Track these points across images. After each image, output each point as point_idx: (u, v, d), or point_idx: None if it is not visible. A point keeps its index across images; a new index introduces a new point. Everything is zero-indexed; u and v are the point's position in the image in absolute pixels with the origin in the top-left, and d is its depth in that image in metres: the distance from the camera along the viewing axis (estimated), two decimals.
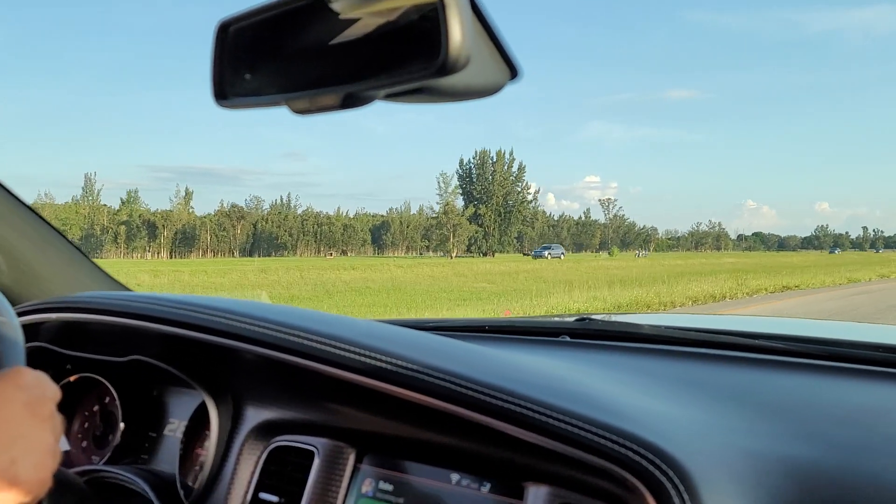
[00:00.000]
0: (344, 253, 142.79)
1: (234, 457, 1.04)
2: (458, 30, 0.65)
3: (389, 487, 0.92)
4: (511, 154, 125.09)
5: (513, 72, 0.76)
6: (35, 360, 0.84)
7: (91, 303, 1.15)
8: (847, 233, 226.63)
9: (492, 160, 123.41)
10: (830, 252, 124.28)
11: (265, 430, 1.04)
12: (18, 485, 0.64)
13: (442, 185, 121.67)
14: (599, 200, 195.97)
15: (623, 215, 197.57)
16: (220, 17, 0.80)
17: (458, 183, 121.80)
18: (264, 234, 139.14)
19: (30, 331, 1.14)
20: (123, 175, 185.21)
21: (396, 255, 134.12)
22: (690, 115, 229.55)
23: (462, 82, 0.71)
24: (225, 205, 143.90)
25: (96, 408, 1.30)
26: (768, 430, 0.87)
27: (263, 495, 1.00)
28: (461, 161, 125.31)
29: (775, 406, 0.99)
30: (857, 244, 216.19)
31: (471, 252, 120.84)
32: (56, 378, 1.28)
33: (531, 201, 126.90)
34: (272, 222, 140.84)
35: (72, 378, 1.28)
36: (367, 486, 0.94)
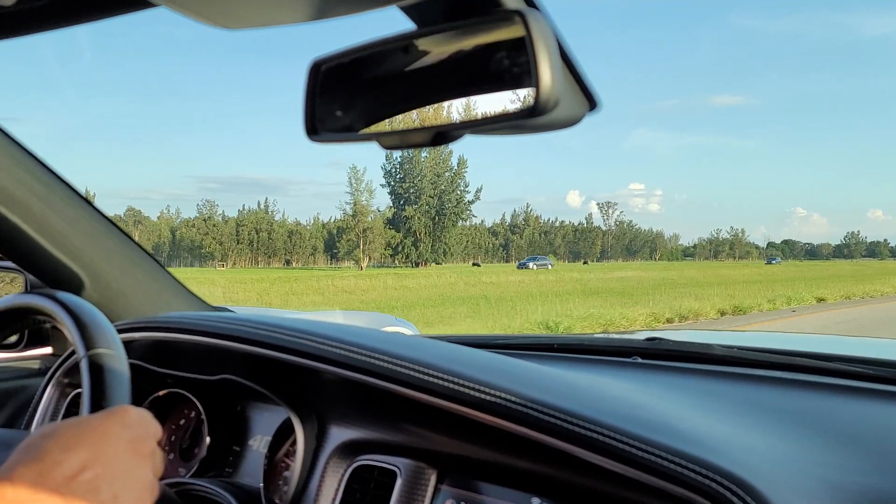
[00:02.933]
0: (288, 263, 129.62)
1: (318, 474, 1.08)
2: (548, 73, 0.67)
3: None
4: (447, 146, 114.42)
5: (591, 103, 0.78)
6: None
7: (181, 323, 1.20)
8: (886, 240, 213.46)
9: (425, 154, 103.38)
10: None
11: (348, 449, 1.07)
12: None
13: (353, 181, 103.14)
14: (598, 205, 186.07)
15: (631, 221, 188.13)
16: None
17: (384, 181, 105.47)
18: (184, 243, 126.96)
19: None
20: (171, 185, 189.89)
21: (335, 265, 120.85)
22: (738, 122, 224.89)
23: (546, 118, 0.72)
24: (170, 211, 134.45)
25: (183, 421, 1.35)
26: (849, 461, 0.87)
27: None
28: (388, 154, 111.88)
29: (855, 435, 0.98)
30: None
31: (393, 262, 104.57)
32: (146, 394, 1.34)
33: (472, 201, 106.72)
34: (197, 229, 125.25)
35: (161, 393, 1.34)
36: None
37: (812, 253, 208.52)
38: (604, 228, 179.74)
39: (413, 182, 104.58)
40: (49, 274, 1.47)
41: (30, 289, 1.60)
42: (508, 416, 0.84)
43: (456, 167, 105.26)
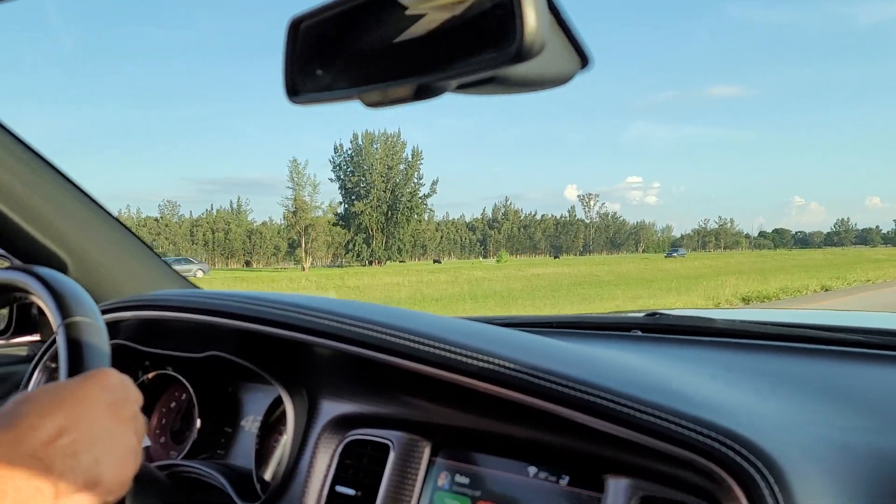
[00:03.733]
0: (248, 264, 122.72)
1: (309, 450, 1.05)
2: (532, 15, 0.64)
3: (465, 480, 0.92)
4: (398, 135, 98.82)
5: (583, 60, 0.74)
6: (114, 357, 0.86)
7: (168, 300, 1.18)
8: (878, 227, 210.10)
9: (376, 145, 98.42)
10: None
11: (340, 424, 1.05)
12: (101, 484, 0.65)
13: (294, 175, 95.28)
14: (579, 196, 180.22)
15: (616, 213, 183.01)
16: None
17: (333, 175, 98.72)
18: None
19: (109, 329, 1.17)
20: (168, 188, 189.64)
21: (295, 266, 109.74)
22: (735, 112, 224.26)
23: (534, 71, 0.70)
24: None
25: (173, 404, 1.33)
26: (858, 423, 0.84)
27: (340, 488, 1.01)
28: (337, 147, 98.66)
29: (862, 399, 0.96)
30: (890, 239, 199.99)
31: (340, 261, 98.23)
32: (134, 375, 1.32)
33: (428, 195, 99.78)
34: (149, 229, 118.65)
35: (149, 375, 1.31)
36: (442, 480, 0.94)
37: (804, 241, 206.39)
38: (586, 221, 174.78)
39: (363, 175, 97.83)
40: (34, 257, 1.44)
41: None
42: (503, 382, 0.81)
43: (410, 158, 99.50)
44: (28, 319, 1.69)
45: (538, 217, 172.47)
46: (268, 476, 1.11)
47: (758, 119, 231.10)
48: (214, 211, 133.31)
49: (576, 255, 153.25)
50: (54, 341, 1.36)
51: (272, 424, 1.17)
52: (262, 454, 1.15)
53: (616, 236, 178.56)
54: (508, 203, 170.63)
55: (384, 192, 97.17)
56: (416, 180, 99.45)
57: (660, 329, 1.42)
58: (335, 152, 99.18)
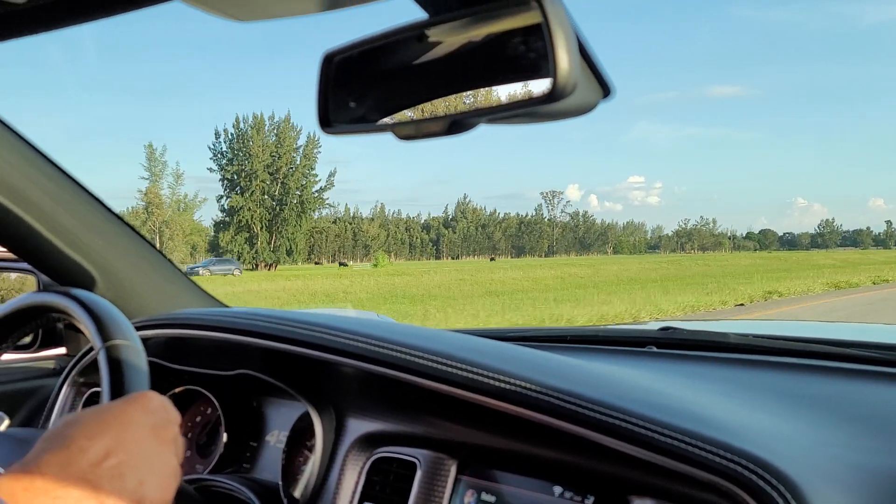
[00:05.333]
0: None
1: (337, 467, 1.08)
2: (565, 58, 0.67)
3: (491, 499, 0.95)
4: (287, 118, 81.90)
5: (605, 90, 0.77)
6: None
7: (197, 320, 1.21)
8: (868, 228, 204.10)
9: (273, 128, 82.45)
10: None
11: (367, 442, 1.07)
12: None
13: (149, 163, 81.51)
14: (542, 194, 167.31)
15: (586, 212, 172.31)
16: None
17: (213, 164, 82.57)
18: None
19: None
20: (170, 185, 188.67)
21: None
22: (737, 112, 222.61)
23: (561, 105, 0.72)
24: None
25: (199, 418, 1.36)
26: (874, 443, 0.86)
27: None
28: (217, 132, 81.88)
29: (877, 418, 0.98)
30: (881, 241, 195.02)
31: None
32: (162, 391, 1.34)
33: (325, 188, 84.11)
34: None
35: (177, 390, 1.34)
36: (469, 497, 0.97)
37: (792, 243, 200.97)
38: (555, 220, 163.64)
39: (243, 164, 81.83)
40: (61, 273, 1.47)
41: (42, 288, 1.61)
42: (529, 404, 0.84)
43: (304, 146, 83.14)
44: (53, 334, 1.72)
45: (500, 216, 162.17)
46: (297, 492, 1.14)
47: (760, 119, 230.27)
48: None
49: (541, 256, 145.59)
50: (82, 357, 1.39)
51: (298, 440, 1.20)
52: (288, 470, 1.18)
53: (586, 236, 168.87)
54: (466, 200, 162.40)
55: (270, 184, 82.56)
56: (307, 171, 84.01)
57: (673, 344, 1.45)
58: (216, 138, 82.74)
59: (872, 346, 1.30)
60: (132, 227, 1.52)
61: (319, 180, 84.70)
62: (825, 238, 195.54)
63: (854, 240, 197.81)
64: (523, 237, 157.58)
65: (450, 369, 0.91)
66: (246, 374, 1.17)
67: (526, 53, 0.72)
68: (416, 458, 1.01)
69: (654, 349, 1.40)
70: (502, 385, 0.86)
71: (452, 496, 0.98)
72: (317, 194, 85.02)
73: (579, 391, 0.82)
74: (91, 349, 1.38)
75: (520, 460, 0.94)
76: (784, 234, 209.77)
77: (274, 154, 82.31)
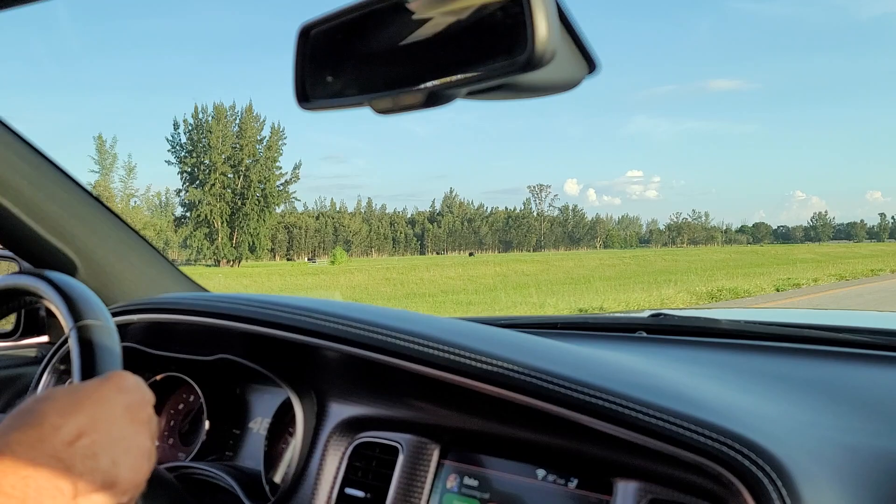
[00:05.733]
0: None
1: (319, 453, 1.06)
2: (543, 24, 0.65)
3: (474, 483, 0.93)
4: (249, 108, 77.81)
5: (591, 65, 0.75)
6: (123, 360, 0.87)
7: (177, 304, 1.18)
8: (862, 220, 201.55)
9: (233, 118, 77.35)
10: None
11: (349, 427, 1.05)
12: (117, 485, 0.66)
13: (99, 155, 79.91)
14: (529, 187, 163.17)
15: (576, 206, 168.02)
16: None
17: (172, 157, 78.11)
18: None
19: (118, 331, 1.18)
20: (167, 182, 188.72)
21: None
22: (736, 106, 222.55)
23: (543, 77, 0.70)
24: None
25: (181, 405, 1.34)
26: (863, 425, 0.85)
27: (349, 490, 1.02)
28: (177, 123, 77.71)
29: (867, 400, 0.96)
30: (875, 234, 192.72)
31: (194, 258, 79.11)
32: (143, 377, 1.32)
33: (290, 181, 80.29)
34: None
35: (158, 377, 1.32)
36: (451, 482, 0.95)
37: (786, 236, 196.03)
38: (542, 214, 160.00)
39: (201, 156, 77.47)
40: (42, 259, 1.45)
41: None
42: (513, 386, 0.82)
43: (268, 138, 78.51)
44: (36, 321, 1.70)
45: (487, 210, 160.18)
46: (277, 478, 1.12)
47: (758, 113, 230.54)
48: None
49: (529, 251, 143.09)
50: (63, 343, 1.37)
51: (281, 427, 1.18)
52: (271, 456, 1.16)
53: (575, 231, 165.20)
54: (453, 194, 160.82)
55: (232, 177, 78.38)
56: (268, 163, 79.71)
57: (664, 330, 1.43)
58: (175, 129, 78.07)
59: (864, 332, 1.29)
60: (114, 213, 1.50)
61: (285, 174, 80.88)
62: (818, 231, 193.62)
63: (848, 233, 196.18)
64: (511, 232, 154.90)
65: (432, 351, 0.89)
66: (227, 360, 1.14)
67: (504, 21, 0.70)
68: (399, 443, 1.00)
69: (644, 334, 1.38)
70: (485, 367, 0.84)
71: (435, 480, 0.96)
72: (281, 188, 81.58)
73: (563, 372, 0.80)
74: None
75: (503, 443, 0.92)
76: (778, 227, 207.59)
77: (235, 145, 78.30)
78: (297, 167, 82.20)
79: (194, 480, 1.17)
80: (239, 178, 78.81)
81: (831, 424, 0.84)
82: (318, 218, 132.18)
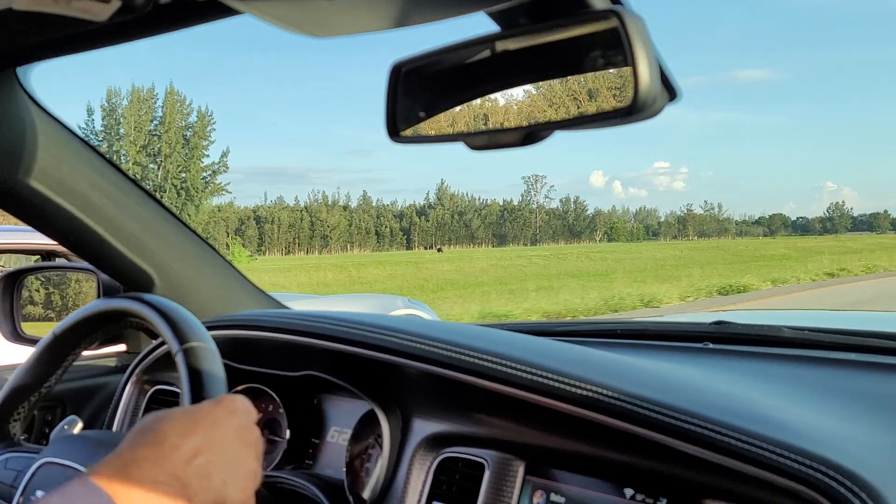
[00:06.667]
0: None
1: (405, 467, 1.10)
2: (647, 74, 0.67)
3: (561, 500, 0.96)
4: (171, 91, 71.20)
5: (671, 94, 0.77)
6: None
7: (261, 321, 1.23)
8: (886, 211, 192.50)
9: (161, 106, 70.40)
10: None
11: (434, 442, 1.09)
12: (227, 503, 0.71)
13: None
14: (524, 178, 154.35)
15: (578, 197, 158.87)
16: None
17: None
18: None
19: None
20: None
21: None
22: (765, 97, 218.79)
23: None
24: None
25: (261, 415, 1.38)
26: None
27: None
28: (91, 108, 70.87)
29: None
30: None
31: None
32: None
33: (216, 171, 71.87)
34: None
35: (239, 388, 1.37)
36: (538, 498, 0.98)
37: (805, 228, 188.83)
38: (537, 206, 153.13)
39: (114, 145, 70.72)
40: (121, 273, 1.51)
41: (102, 287, 1.64)
42: (606, 410, 0.85)
43: (195, 123, 70.73)
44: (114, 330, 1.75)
45: (480, 202, 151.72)
46: (365, 492, 1.16)
47: (787, 103, 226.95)
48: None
49: (526, 244, 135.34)
50: (147, 355, 1.43)
51: (360, 438, 1.22)
52: (352, 467, 1.20)
53: (576, 224, 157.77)
54: (444, 185, 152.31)
55: (153, 167, 71.94)
56: (187, 152, 71.50)
57: (728, 339, 1.44)
58: (89, 115, 70.01)
59: None
60: (191, 228, 1.55)
61: (214, 165, 72.67)
62: (834, 223, 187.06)
63: (871, 224, 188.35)
64: (505, 225, 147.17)
65: (522, 374, 0.92)
66: (311, 376, 1.19)
67: (604, 66, 0.72)
68: (484, 459, 1.03)
69: (710, 345, 1.40)
70: (578, 391, 0.87)
71: (521, 497, 0.99)
72: (207, 179, 73.89)
73: (656, 397, 0.83)
74: (155, 347, 1.42)
75: (589, 462, 0.95)
76: (798, 218, 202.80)
77: (155, 133, 71.80)
78: (224, 154, 73.96)
79: (278, 489, 1.22)
80: (158, 169, 72.94)
81: None
82: (301, 210, 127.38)
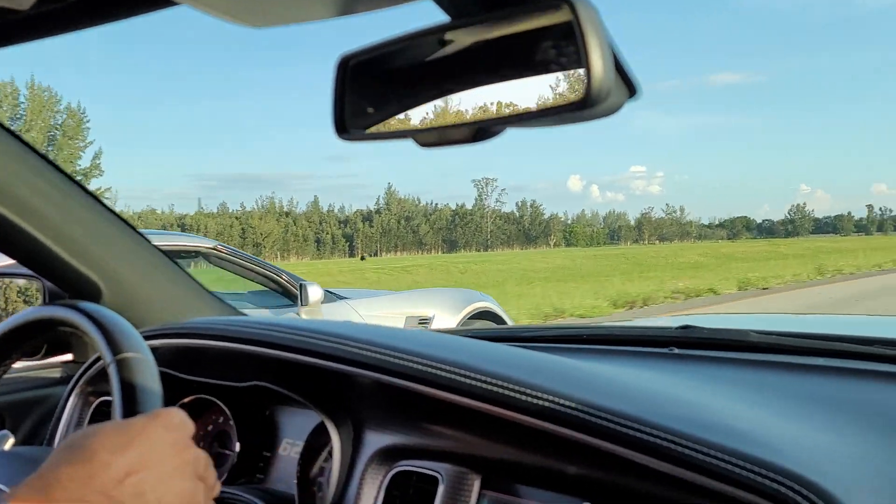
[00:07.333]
0: None
1: (356, 481, 1.05)
2: (600, 64, 0.64)
3: None
4: (32, 86, 61.00)
5: (631, 90, 0.74)
6: None
7: (210, 329, 1.18)
8: (850, 213, 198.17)
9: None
10: None
11: (386, 455, 1.04)
12: None
13: None
14: (474, 181, 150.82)
15: (534, 201, 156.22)
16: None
17: None
18: None
19: None
20: (171, 185, 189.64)
21: None
22: (739, 100, 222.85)
23: (591, 109, 0.69)
24: None
25: (210, 427, 1.33)
26: None
27: None
28: None
29: None
30: (863, 227, 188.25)
31: None
32: (172, 401, 1.32)
33: (90, 174, 61.38)
34: None
35: (186, 400, 1.31)
36: None
37: (770, 230, 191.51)
38: (488, 210, 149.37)
39: None
40: (67, 281, 1.44)
41: (48, 296, 1.58)
42: (565, 422, 0.81)
43: (62, 123, 61.88)
44: (60, 339, 1.69)
45: (430, 206, 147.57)
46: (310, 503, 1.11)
47: (762, 107, 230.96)
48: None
49: (479, 250, 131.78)
50: (91, 365, 1.37)
51: (312, 450, 1.17)
52: (303, 481, 1.15)
53: (531, 228, 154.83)
54: (391, 188, 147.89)
55: None
56: (75, 155, 62.22)
57: (694, 344, 1.42)
58: None
59: None
60: (139, 233, 1.49)
61: (85, 170, 62.29)
62: (796, 225, 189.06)
63: (835, 226, 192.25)
64: (456, 230, 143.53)
65: (476, 383, 0.88)
66: (261, 386, 1.14)
67: (557, 58, 0.69)
68: (438, 473, 0.98)
69: (676, 350, 1.37)
70: (537, 401, 0.83)
71: None
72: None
73: (617, 407, 0.79)
74: (98, 358, 1.35)
75: (547, 475, 0.91)
76: (763, 220, 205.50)
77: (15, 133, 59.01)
78: (97, 156, 64.36)
79: None
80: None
81: (885, 456, 0.82)
82: (263, 217, 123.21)
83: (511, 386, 0.85)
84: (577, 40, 0.64)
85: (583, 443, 0.80)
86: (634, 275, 27.14)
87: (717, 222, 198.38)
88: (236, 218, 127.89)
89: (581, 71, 0.65)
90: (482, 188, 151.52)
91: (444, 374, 0.90)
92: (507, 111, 0.72)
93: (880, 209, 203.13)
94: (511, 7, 0.70)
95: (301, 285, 5.09)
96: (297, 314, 5.01)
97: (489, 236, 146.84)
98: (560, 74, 0.69)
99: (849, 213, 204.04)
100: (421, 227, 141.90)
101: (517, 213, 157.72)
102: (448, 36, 0.74)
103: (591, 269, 35.23)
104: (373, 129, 0.81)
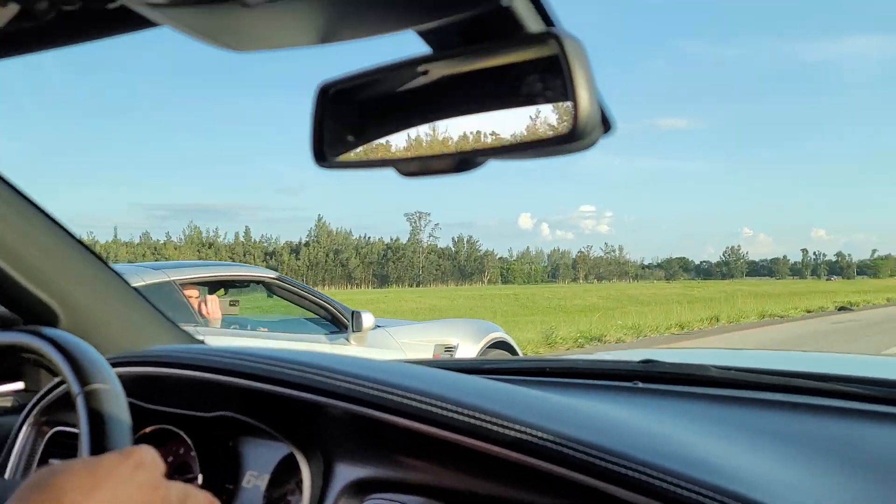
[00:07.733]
0: None
1: None
2: (586, 98, 0.65)
3: None
4: None
5: (606, 125, 0.75)
6: None
7: (174, 357, 1.15)
8: (785, 256, 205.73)
9: None
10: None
11: (357, 488, 1.03)
12: None
13: None
14: (406, 215, 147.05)
15: (471, 237, 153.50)
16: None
17: None
18: None
19: None
20: (116, 213, 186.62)
21: None
22: (684, 145, 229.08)
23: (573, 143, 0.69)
24: None
25: (171, 459, 1.29)
26: (879, 492, 0.85)
27: None
28: None
29: (876, 463, 0.96)
30: (797, 271, 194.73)
31: None
32: (132, 431, 1.28)
33: None
34: None
35: (147, 430, 1.28)
36: None
37: (707, 272, 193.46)
38: (421, 245, 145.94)
39: None
40: (20, 306, 1.40)
41: (1, 320, 1.53)
42: (539, 454, 0.81)
43: None
44: (11, 367, 1.63)
45: (363, 240, 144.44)
46: None
47: (706, 151, 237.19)
48: None
49: (412, 286, 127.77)
50: (46, 394, 1.32)
51: (278, 483, 1.15)
52: None
53: (467, 264, 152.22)
54: (321, 220, 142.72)
55: None
56: None
57: (656, 378, 1.43)
58: None
59: (864, 382, 1.29)
60: (98, 256, 1.46)
61: None
62: (730, 267, 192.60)
63: (770, 269, 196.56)
64: (388, 265, 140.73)
65: (449, 413, 0.87)
66: (226, 416, 1.11)
67: (542, 90, 0.69)
68: None
69: (640, 384, 1.38)
70: (510, 433, 0.83)
71: None
72: None
73: (589, 439, 0.80)
74: (56, 385, 1.31)
75: None
76: (702, 262, 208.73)
77: None
78: None
79: None
80: None
81: (846, 492, 0.84)
82: (179, 248, 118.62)
83: (485, 417, 0.85)
84: (564, 74, 0.65)
85: (556, 474, 0.80)
86: (510, 317, 24.99)
87: (656, 262, 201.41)
88: (153, 248, 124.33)
89: (567, 104, 0.66)
90: (415, 222, 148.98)
91: (417, 404, 0.90)
92: (491, 142, 0.72)
93: (814, 254, 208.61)
94: (494, 41, 0.71)
95: (354, 313, 5.48)
96: (348, 340, 5.41)
97: (421, 272, 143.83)
98: (545, 107, 0.70)
99: (784, 256, 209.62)
100: (351, 260, 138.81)
101: (453, 249, 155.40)
102: (431, 67, 0.75)
103: (465, 311, 33.55)
104: (353, 158, 0.81)
